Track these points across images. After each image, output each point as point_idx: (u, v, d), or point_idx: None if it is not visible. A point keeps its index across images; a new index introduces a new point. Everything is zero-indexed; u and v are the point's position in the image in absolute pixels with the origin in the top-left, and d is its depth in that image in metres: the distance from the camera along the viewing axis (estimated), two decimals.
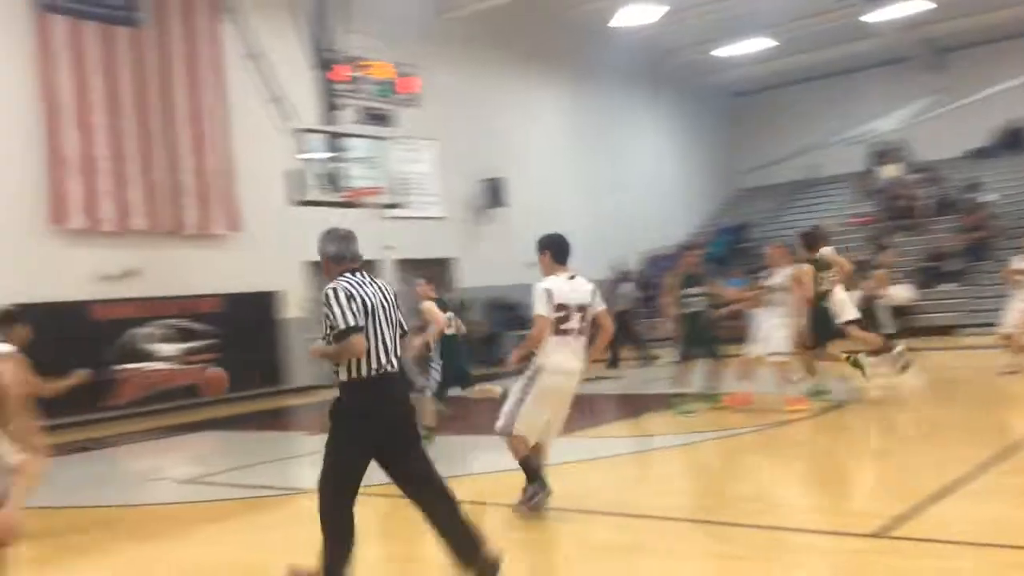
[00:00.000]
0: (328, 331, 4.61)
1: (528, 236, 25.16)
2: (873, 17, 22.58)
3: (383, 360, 4.59)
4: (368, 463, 4.66)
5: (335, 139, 14.21)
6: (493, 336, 19.78)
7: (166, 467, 10.42)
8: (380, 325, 4.63)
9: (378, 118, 19.00)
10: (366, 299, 4.64)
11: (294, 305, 17.41)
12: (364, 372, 4.57)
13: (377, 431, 4.59)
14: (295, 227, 16.69)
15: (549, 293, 6.08)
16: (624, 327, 18.52)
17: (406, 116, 19.63)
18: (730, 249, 25.26)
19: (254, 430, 12.65)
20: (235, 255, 16.52)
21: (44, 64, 14.28)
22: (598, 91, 24.70)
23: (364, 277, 4.79)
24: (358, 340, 4.51)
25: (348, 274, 4.76)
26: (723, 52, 25.39)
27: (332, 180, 13.98)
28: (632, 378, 16.01)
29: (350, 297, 4.59)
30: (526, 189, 21.80)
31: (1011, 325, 11.31)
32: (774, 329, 9.95)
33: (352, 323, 4.52)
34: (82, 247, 14.64)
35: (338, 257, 4.88)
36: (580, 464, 7.94)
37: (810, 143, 27.86)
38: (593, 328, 6.33)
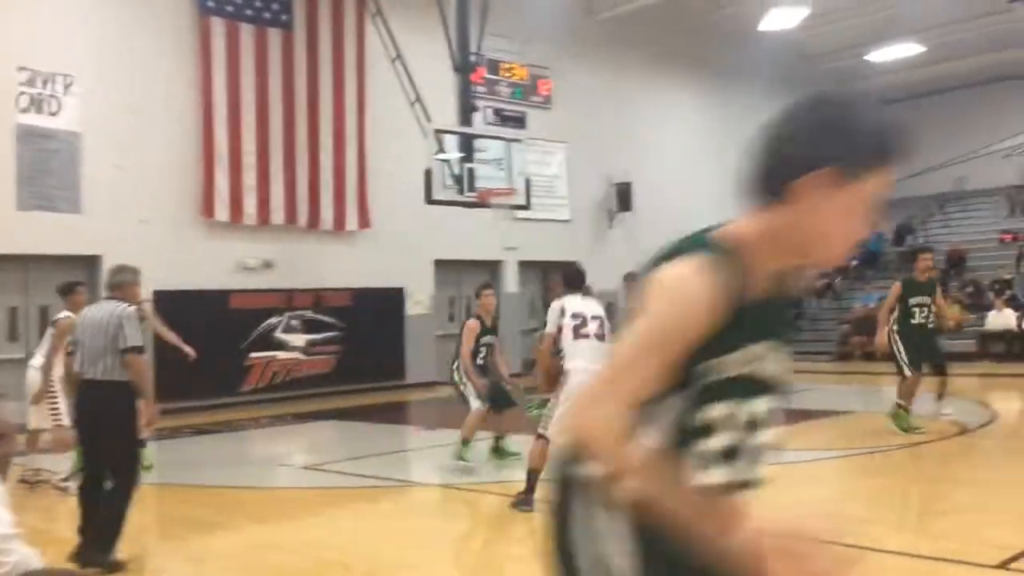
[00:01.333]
0: None
1: (657, 241, 25.04)
2: None
3: (83, 368, 5.74)
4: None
5: (468, 140, 14.45)
6: None
7: (288, 453, 10.84)
8: (87, 342, 5.73)
9: (511, 120, 19.28)
10: (84, 321, 5.89)
11: (419, 302, 17.81)
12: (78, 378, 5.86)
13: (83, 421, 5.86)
14: (424, 225, 17.12)
15: (562, 307, 6.93)
16: None
17: (538, 118, 19.86)
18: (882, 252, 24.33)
19: (373, 422, 12.99)
20: (366, 251, 17.02)
21: (202, 64, 15.10)
22: (737, 96, 24.19)
23: (101, 304, 5.98)
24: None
25: (103, 301, 6.05)
26: (870, 58, 24.52)
27: (463, 180, 14.23)
28: None
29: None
30: (656, 194, 21.58)
31: None
32: None
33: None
34: (225, 239, 15.38)
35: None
36: None
37: (958, 154, 26.60)
38: None
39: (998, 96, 26.49)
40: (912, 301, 9.55)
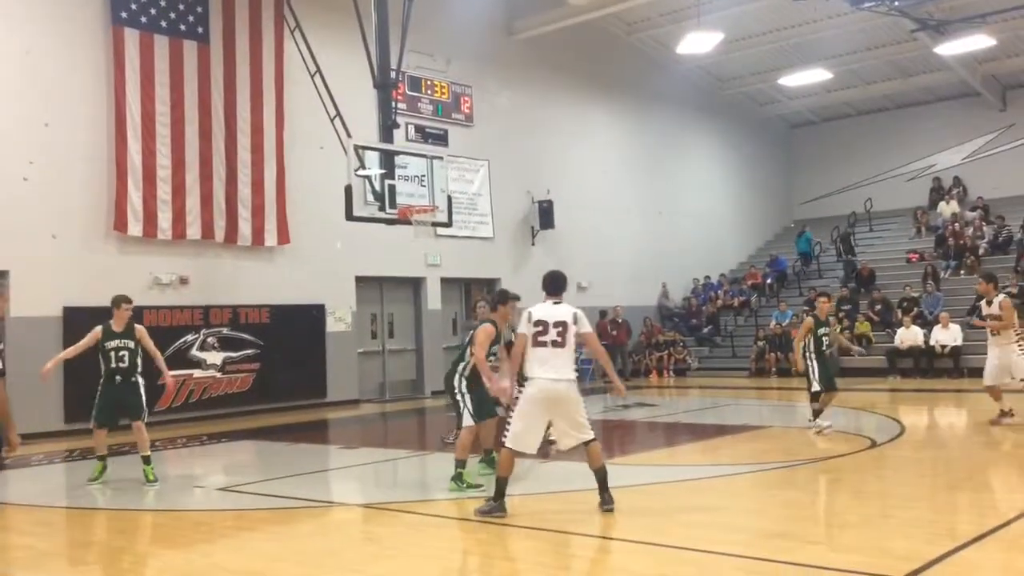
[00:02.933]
0: None
1: (578, 259, 25.58)
2: (939, 50, 22.24)
3: None
4: None
5: (389, 156, 14.39)
6: None
7: (204, 474, 10.59)
8: None
9: (433, 137, 19.28)
10: None
11: (340, 319, 17.63)
12: None
13: None
14: (344, 242, 16.98)
15: (529, 313, 7.10)
16: None
17: (460, 136, 19.91)
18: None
19: (293, 441, 12.78)
20: (285, 267, 16.80)
21: (114, 76, 14.73)
22: (655, 117, 24.69)
23: None
24: None
25: None
26: (782, 82, 25.28)
27: (384, 197, 14.15)
28: (668, 406, 15.90)
29: None
30: (577, 212, 21.83)
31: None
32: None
33: None
34: (139, 254, 15.00)
35: None
36: (619, 491, 7.87)
37: (866, 176, 27.59)
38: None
39: (903, 121, 27.60)
40: (820, 332, 11.26)
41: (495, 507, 6.90)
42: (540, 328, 6.96)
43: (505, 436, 6.98)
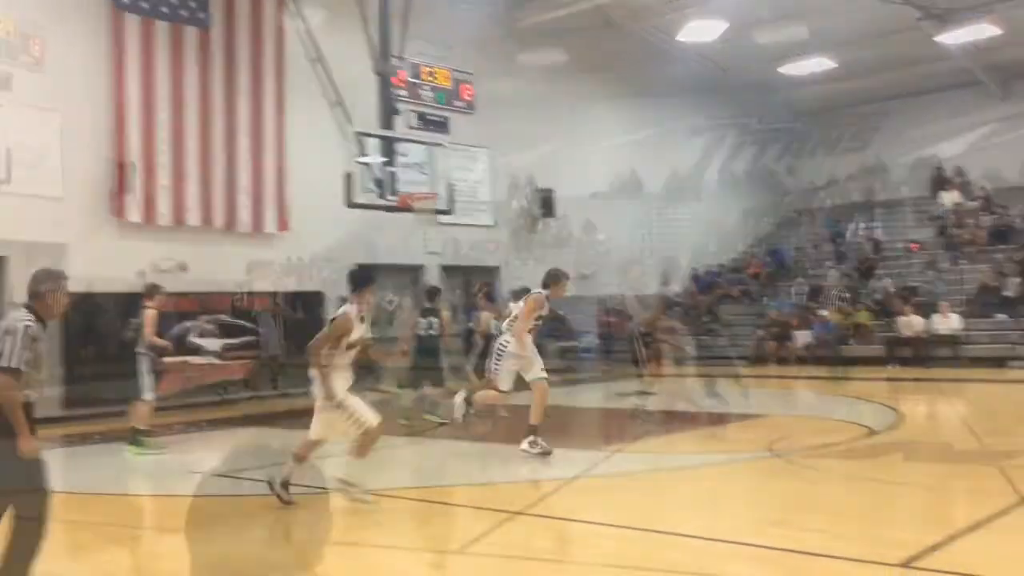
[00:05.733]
0: None
1: (578, 247, 25.38)
2: (941, 39, 22.15)
3: None
4: None
5: (390, 143, 14.37)
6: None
7: (201, 460, 10.58)
8: None
9: (434, 124, 19.23)
10: None
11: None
12: None
13: None
14: (344, 229, 16.95)
15: None
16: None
17: (461, 123, 19.85)
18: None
19: (292, 428, 12.78)
20: (284, 254, 16.77)
21: (115, 60, 14.69)
22: (656, 105, 24.58)
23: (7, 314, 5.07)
24: None
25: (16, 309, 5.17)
26: (784, 71, 25.16)
27: (385, 184, 14.14)
28: (666, 394, 15.91)
29: None
30: (578, 200, 21.78)
31: None
32: None
33: None
34: (138, 239, 14.98)
35: None
36: (614, 479, 7.90)
37: (868, 166, 27.49)
38: None
39: (905, 110, 27.47)
40: None
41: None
42: None
43: None
